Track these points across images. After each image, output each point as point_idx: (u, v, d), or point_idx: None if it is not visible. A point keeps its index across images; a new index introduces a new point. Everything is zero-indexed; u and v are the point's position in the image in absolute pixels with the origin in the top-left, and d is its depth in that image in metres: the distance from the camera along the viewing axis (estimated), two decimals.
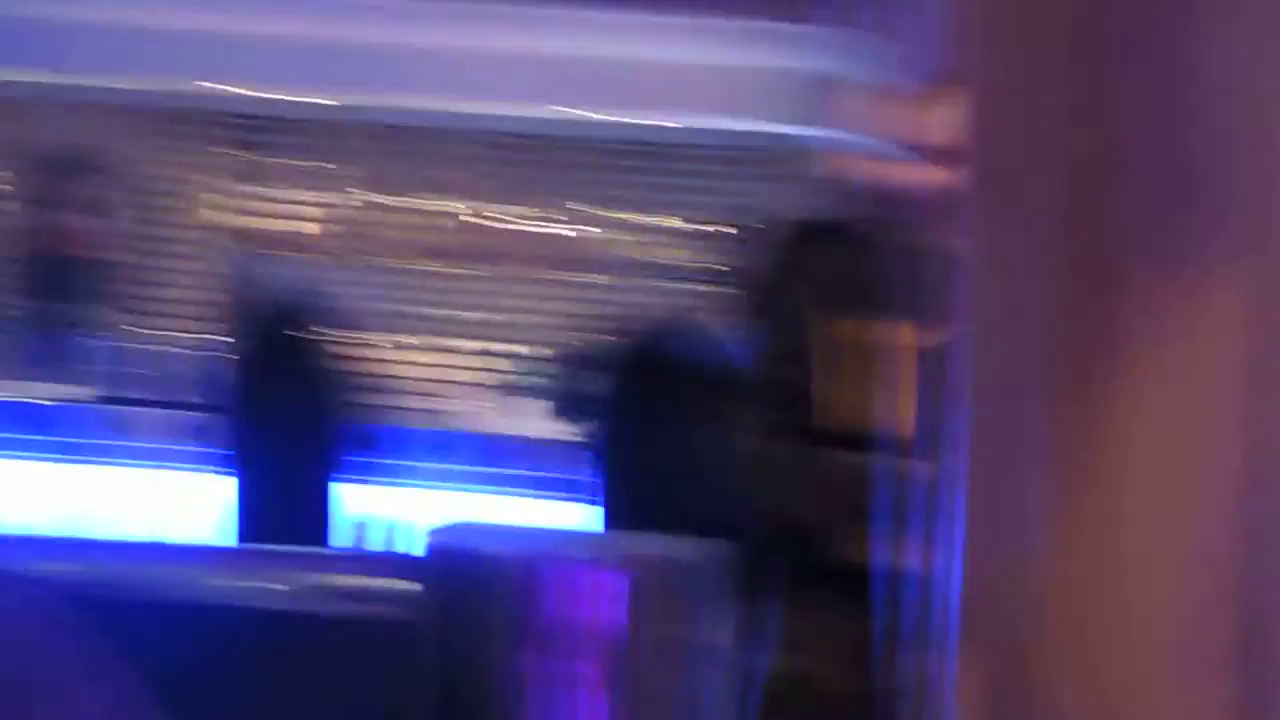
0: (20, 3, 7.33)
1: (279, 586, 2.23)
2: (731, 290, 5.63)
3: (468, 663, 2.13)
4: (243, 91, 7.97)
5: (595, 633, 2.24)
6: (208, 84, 7.79)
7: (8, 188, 8.58)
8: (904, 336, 2.91)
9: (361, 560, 2.37)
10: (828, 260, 3.09)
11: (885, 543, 2.83)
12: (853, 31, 7.16)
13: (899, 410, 2.89)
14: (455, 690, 2.11)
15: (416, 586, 2.14)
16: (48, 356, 7.43)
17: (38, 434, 6.57)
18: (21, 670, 0.93)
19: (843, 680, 2.96)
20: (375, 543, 5.53)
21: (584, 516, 4.89)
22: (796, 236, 3.35)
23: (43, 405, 6.69)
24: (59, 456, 6.43)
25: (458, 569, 2.27)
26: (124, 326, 7.91)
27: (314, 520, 5.07)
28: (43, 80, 7.91)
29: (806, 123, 7.45)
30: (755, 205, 8.59)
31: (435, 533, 2.29)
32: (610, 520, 4.57)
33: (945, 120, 2.72)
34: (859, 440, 2.88)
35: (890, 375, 2.88)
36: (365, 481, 5.76)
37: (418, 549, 2.32)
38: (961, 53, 2.14)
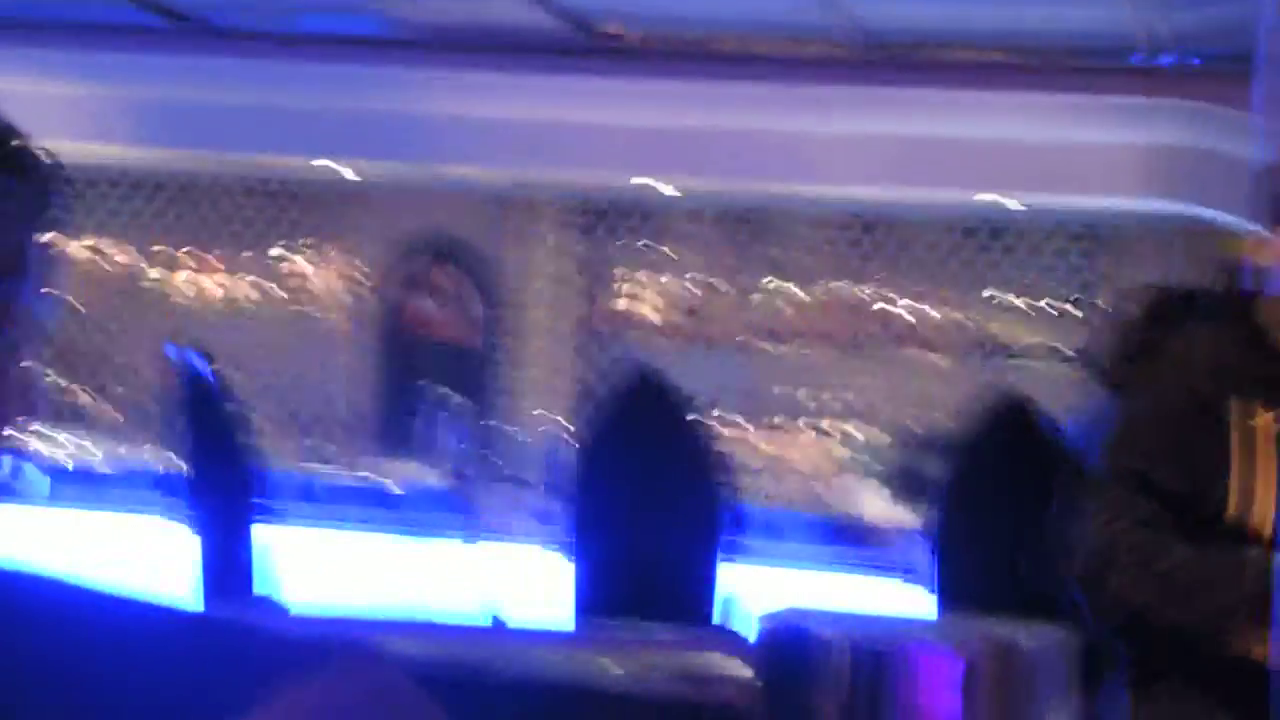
0: (384, 98, 7.62)
1: (615, 668, 2.26)
2: (1090, 371, 5.49)
3: None
4: (592, 179, 8.14)
5: (929, 718, 2.21)
6: (561, 173, 7.98)
7: (370, 274, 8.89)
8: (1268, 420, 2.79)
9: (695, 641, 2.38)
10: (1212, 340, 2.93)
11: (1248, 636, 2.73)
12: (1221, 108, 6.98)
13: (1265, 497, 2.78)
14: None
15: (749, 670, 2.14)
16: (402, 438, 7.66)
17: (388, 513, 6.77)
18: None
19: None
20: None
21: (923, 600, 4.83)
22: (1176, 314, 3.20)
23: (394, 486, 6.89)
24: (407, 534, 6.61)
25: (790, 653, 2.25)
26: (477, 409, 8.10)
27: (658, 596, 5.11)
28: (405, 171, 8.21)
29: (1175, 199, 7.29)
30: (1107, 283, 8.42)
31: (767, 617, 2.28)
32: (950, 606, 4.49)
33: None
34: (1230, 531, 2.78)
35: (1265, 462, 2.77)
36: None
37: (750, 630, 2.33)
38: None
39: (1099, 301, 8.43)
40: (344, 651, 1.00)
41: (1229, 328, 2.91)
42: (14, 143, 1.08)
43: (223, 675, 0.98)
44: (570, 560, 5.40)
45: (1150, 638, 2.83)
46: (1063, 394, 8.00)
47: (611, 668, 2.27)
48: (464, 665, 2.26)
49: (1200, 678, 2.82)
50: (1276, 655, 2.68)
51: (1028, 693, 2.42)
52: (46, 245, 1.09)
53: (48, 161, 1.10)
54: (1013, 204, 7.84)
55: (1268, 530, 2.78)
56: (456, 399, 7.53)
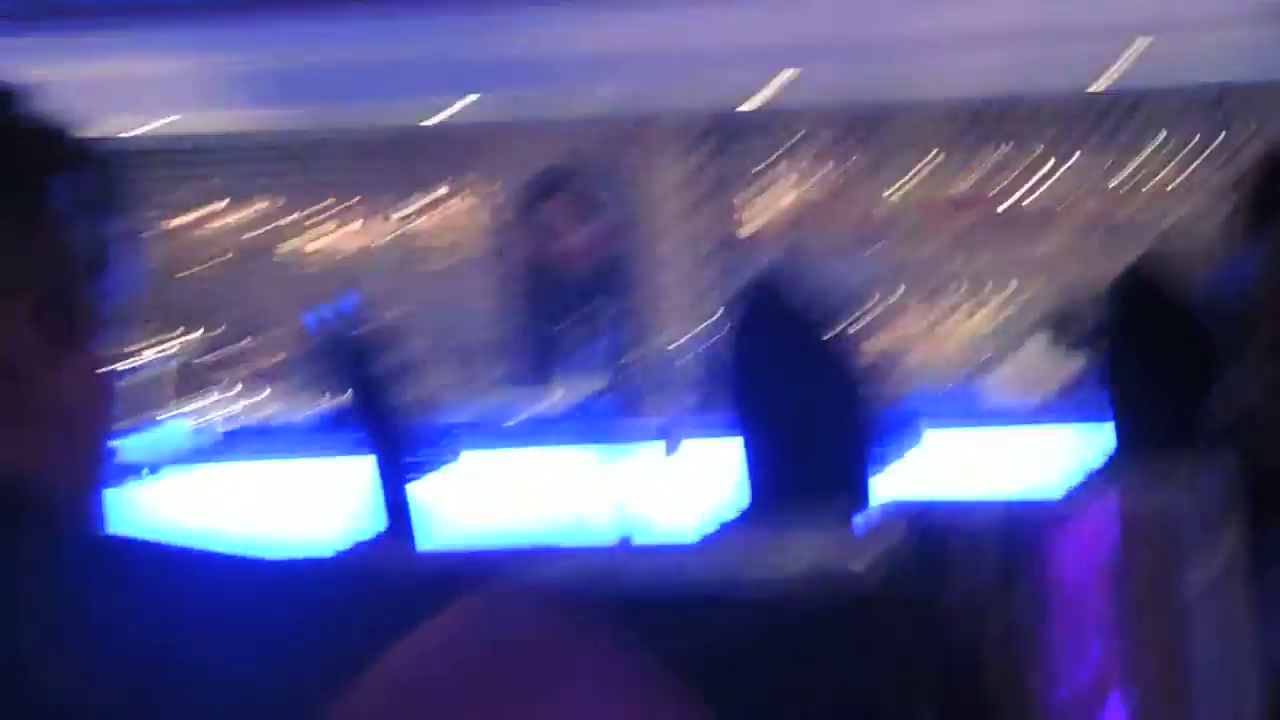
0: (505, 32, 7.66)
1: (745, 574, 2.23)
2: (1225, 229, 5.41)
3: (955, 630, 2.08)
4: (709, 97, 8.17)
5: (1082, 582, 2.15)
6: (680, 94, 8.01)
7: (497, 210, 8.94)
8: None
9: (828, 540, 2.35)
10: None
11: None
12: None
13: None
14: (947, 657, 2.07)
15: (879, 563, 2.10)
16: (543, 366, 7.69)
17: (537, 438, 6.84)
18: (553, 681, 0.96)
19: None
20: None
21: (1100, 445, 4.80)
22: None
23: (540, 412, 6.96)
24: (557, 454, 6.68)
25: (917, 542, 2.20)
26: (613, 331, 8.13)
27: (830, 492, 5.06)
28: (523, 106, 8.27)
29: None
30: (1236, 147, 8.29)
31: (891, 507, 2.24)
32: (1126, 447, 4.48)
33: None
34: None
35: None
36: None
37: (880, 522, 2.28)
38: None
39: (1227, 166, 8.30)
40: (473, 584, 0.99)
41: None
42: (68, 136, 1.04)
43: (352, 620, 0.97)
44: (723, 465, 5.42)
45: None
46: (1196, 262, 7.85)
47: (741, 575, 2.24)
48: (592, 585, 2.25)
49: None
50: None
51: (1184, 545, 2.34)
52: (126, 234, 1.07)
53: (106, 147, 1.06)
54: (1132, 76, 7.74)
55: None
56: (592, 323, 7.55)
